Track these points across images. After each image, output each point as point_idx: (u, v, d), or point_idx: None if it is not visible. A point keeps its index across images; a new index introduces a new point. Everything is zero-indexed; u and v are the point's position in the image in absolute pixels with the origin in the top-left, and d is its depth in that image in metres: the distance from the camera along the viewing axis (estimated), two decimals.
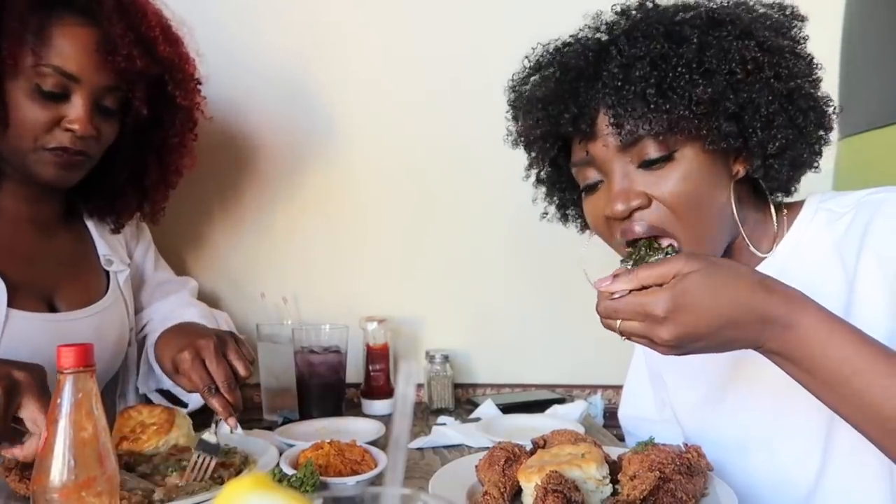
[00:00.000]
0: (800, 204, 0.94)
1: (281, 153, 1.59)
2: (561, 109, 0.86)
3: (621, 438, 1.20)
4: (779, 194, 0.94)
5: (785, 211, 0.93)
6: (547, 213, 1.08)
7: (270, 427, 1.24)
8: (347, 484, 0.91)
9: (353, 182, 1.59)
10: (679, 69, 0.80)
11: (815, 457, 0.87)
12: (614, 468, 0.84)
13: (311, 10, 1.57)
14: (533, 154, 0.99)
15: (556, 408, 1.36)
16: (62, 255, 1.17)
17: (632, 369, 1.17)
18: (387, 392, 1.45)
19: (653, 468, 0.78)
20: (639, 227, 0.85)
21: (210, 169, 1.55)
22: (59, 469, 0.63)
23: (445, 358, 1.48)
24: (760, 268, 0.90)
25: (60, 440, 0.63)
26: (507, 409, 1.39)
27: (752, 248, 0.91)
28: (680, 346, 0.72)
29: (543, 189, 1.06)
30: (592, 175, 0.90)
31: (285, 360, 1.39)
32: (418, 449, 1.15)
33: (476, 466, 0.88)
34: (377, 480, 0.94)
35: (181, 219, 1.55)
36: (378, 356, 1.46)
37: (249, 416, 1.36)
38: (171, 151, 1.21)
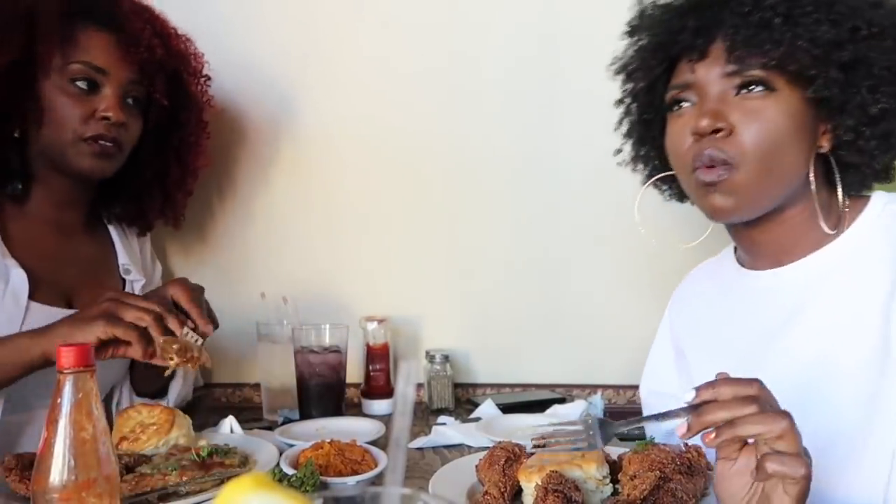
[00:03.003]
0: (865, 200, 0.92)
1: (281, 153, 1.59)
2: (684, 23, 0.89)
3: (621, 438, 1.20)
4: (850, 187, 0.92)
5: (848, 203, 0.92)
6: (621, 151, 1.10)
7: (270, 427, 1.24)
8: (348, 484, 0.91)
9: (353, 181, 1.59)
10: (809, 7, 0.82)
11: (848, 435, 0.84)
12: (614, 468, 0.84)
13: (309, 7, 1.57)
14: (634, 77, 1.01)
15: (556, 408, 1.36)
16: (82, 259, 1.24)
17: (655, 344, 1.16)
18: (387, 392, 1.45)
19: (653, 468, 0.79)
20: (714, 153, 0.86)
21: (211, 168, 1.54)
22: (59, 469, 0.63)
23: (445, 358, 1.47)
24: (825, 249, 0.90)
25: (60, 440, 0.63)
26: (507, 408, 1.38)
27: (822, 222, 0.89)
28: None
29: (627, 123, 1.08)
30: (688, 97, 0.91)
31: (285, 360, 1.39)
32: (418, 449, 1.15)
33: (476, 466, 0.88)
34: (377, 480, 0.94)
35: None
36: (378, 356, 1.46)
37: (249, 416, 1.36)
38: (188, 150, 1.33)
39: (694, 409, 0.66)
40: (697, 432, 0.66)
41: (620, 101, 1.07)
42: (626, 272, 1.58)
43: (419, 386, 1.50)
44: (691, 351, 1.06)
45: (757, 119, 0.85)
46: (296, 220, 1.60)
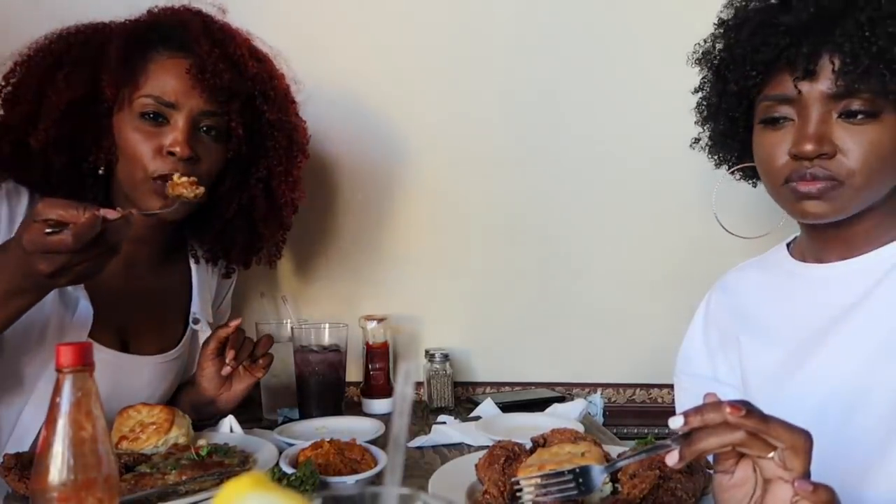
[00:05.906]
0: None
1: None
2: (796, 42, 0.86)
3: (621, 437, 1.20)
4: None
5: None
6: (698, 140, 1.09)
7: (270, 426, 1.24)
8: (347, 483, 0.91)
9: (352, 179, 1.59)
10: None
11: (891, 425, 0.83)
12: None
13: (306, 8, 1.57)
14: (723, 77, 0.98)
15: (555, 406, 1.36)
16: (146, 298, 1.20)
17: (689, 331, 1.14)
18: (387, 391, 1.45)
19: (653, 467, 0.78)
20: (818, 173, 0.86)
21: None
22: (58, 469, 0.62)
23: (445, 356, 1.47)
24: None
25: (59, 440, 0.63)
26: (506, 407, 1.38)
27: None
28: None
29: (704, 113, 1.05)
30: (784, 112, 0.90)
31: (285, 359, 1.39)
32: (418, 448, 1.15)
33: (476, 465, 0.88)
34: (377, 479, 0.94)
35: None
36: (378, 355, 1.46)
37: (249, 416, 1.36)
38: (278, 181, 1.22)
39: (684, 436, 0.64)
40: (689, 461, 0.65)
41: (701, 89, 1.04)
42: (626, 272, 1.58)
43: (419, 385, 1.50)
44: (745, 337, 1.03)
45: (861, 143, 0.85)
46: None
